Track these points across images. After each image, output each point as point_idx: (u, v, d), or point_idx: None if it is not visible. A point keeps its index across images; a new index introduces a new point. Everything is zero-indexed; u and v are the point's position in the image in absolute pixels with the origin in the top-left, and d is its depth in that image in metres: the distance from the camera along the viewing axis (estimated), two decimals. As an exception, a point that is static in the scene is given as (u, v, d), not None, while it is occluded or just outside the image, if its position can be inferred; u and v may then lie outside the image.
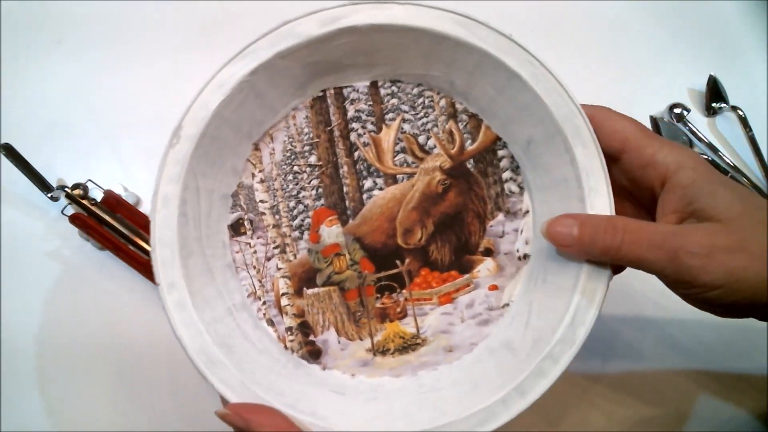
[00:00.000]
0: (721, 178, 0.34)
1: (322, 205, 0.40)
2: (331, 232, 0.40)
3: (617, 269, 0.37)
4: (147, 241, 0.48)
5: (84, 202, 0.50)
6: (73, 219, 0.49)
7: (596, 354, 0.50)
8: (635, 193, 0.38)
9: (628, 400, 0.49)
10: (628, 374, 0.50)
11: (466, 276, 0.40)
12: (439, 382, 0.38)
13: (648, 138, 0.35)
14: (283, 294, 0.40)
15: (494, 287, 0.39)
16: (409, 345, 0.39)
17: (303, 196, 0.40)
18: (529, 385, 0.35)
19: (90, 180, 0.52)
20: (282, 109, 0.40)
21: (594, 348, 0.50)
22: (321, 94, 0.40)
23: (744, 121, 0.57)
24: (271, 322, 0.39)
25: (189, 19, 0.59)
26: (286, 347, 0.39)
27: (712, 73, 0.59)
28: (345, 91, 0.40)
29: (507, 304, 0.39)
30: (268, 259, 0.40)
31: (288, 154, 0.40)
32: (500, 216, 0.40)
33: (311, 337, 0.39)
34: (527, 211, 0.40)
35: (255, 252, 0.40)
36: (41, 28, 0.59)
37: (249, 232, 0.40)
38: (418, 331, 0.39)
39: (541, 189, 0.39)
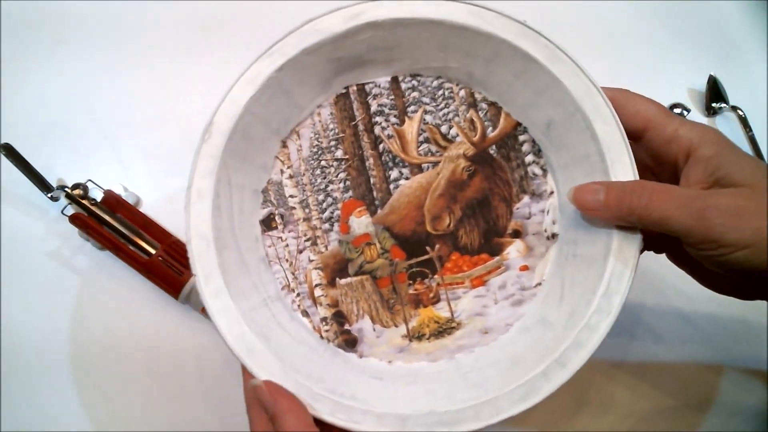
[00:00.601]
0: (741, 150, 0.35)
1: (351, 197, 0.41)
2: (361, 223, 0.41)
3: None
4: (147, 241, 0.49)
5: (84, 202, 0.50)
6: (73, 219, 0.49)
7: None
8: (656, 170, 0.38)
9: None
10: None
11: (497, 258, 0.40)
12: (478, 362, 0.38)
13: (669, 116, 0.37)
14: (316, 285, 0.40)
15: (525, 267, 0.40)
16: (445, 329, 0.39)
17: (331, 189, 0.41)
18: (569, 357, 0.35)
19: (90, 180, 0.52)
20: (307, 106, 0.41)
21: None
22: (344, 90, 0.41)
23: (744, 121, 0.57)
24: (305, 313, 0.40)
25: (189, 20, 0.59)
26: (322, 337, 0.39)
27: (712, 73, 0.59)
28: (367, 87, 0.42)
29: (539, 284, 0.39)
30: (300, 251, 0.40)
31: (315, 150, 0.41)
32: (526, 198, 0.41)
33: (346, 326, 0.40)
34: (552, 192, 0.40)
35: (287, 245, 0.40)
36: (41, 28, 0.59)
37: (280, 227, 0.41)
38: (452, 314, 0.40)
39: (563, 168, 0.40)
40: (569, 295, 0.37)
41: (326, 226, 0.41)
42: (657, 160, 0.38)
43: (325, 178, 0.41)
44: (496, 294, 0.40)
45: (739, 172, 0.34)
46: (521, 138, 0.41)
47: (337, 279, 0.40)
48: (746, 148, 0.56)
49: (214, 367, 0.49)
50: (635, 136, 0.37)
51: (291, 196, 0.41)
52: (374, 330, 0.40)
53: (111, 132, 0.56)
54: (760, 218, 0.32)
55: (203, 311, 0.48)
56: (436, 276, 0.40)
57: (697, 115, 0.59)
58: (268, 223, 0.41)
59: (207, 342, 0.50)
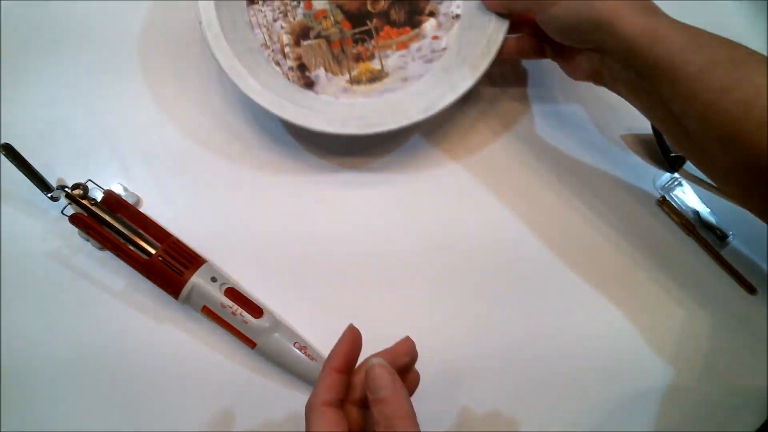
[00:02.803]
0: None
1: (313, -17, 0.56)
2: (320, 2, 0.56)
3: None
4: (147, 241, 0.50)
5: (84, 202, 0.49)
6: (73, 219, 0.49)
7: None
8: None
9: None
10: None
11: (416, 30, 0.56)
12: (399, 99, 0.54)
13: None
14: (285, 44, 0.55)
15: (436, 37, 0.56)
16: (377, 77, 0.55)
17: (299, -23, 0.56)
18: (458, 85, 0.51)
19: (90, 180, 0.51)
20: None
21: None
22: None
23: None
24: (278, 63, 0.55)
25: (189, 20, 0.58)
26: (289, 79, 0.55)
27: None
28: None
29: (445, 48, 0.55)
30: (275, 20, 0.55)
31: (287, -52, 0.56)
32: (439, -11, 0.56)
33: (307, 73, 0.55)
34: (458, -15, 0.56)
35: (265, 15, 0.55)
36: (41, 28, 0.58)
37: (260, 2, 0.55)
38: (382, 67, 0.56)
39: None
40: (465, 50, 0.53)
41: (294, 3, 0.56)
42: None
43: (294, -32, 0.56)
44: (414, 54, 0.56)
45: None
46: (439, -54, 0.56)
47: (301, 41, 0.56)
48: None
49: (214, 368, 0.50)
50: None
51: (269, -19, 0.56)
52: (326, 76, 0.55)
53: (111, 132, 0.56)
54: None
55: (203, 311, 0.49)
56: (372, 41, 0.56)
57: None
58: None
59: (207, 342, 0.50)
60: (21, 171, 0.50)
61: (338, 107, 0.54)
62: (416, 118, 0.51)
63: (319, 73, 0.55)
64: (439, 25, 0.56)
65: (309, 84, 0.55)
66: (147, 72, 0.58)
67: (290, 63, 0.55)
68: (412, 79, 0.55)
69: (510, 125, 0.59)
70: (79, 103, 0.56)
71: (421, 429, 0.35)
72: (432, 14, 0.56)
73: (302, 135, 0.57)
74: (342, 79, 0.55)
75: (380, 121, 0.51)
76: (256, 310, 0.48)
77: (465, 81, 0.51)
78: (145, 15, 0.60)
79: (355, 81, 0.55)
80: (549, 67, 0.57)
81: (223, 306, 0.47)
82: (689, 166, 0.57)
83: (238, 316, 0.47)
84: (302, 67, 0.55)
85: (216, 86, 0.58)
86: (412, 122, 0.51)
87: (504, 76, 0.61)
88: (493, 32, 0.52)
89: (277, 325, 0.49)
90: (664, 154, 0.57)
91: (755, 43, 0.59)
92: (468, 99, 0.56)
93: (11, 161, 0.49)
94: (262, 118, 0.58)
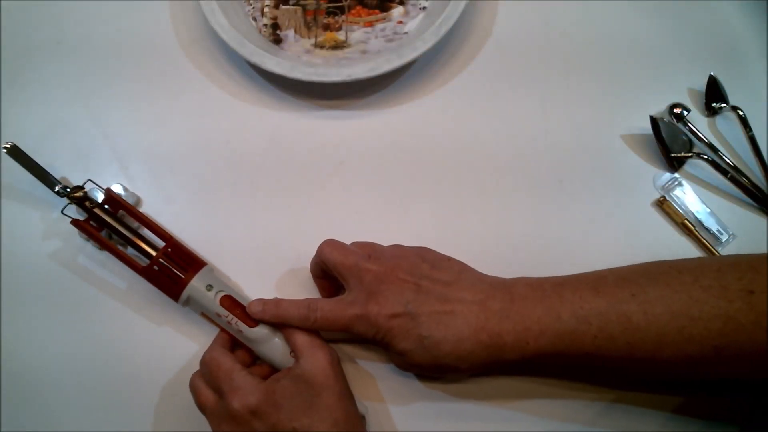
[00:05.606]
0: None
1: (302, -39, 0.63)
2: (306, -23, 0.62)
3: None
4: (148, 243, 0.50)
5: (86, 204, 0.50)
6: (75, 223, 0.49)
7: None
8: None
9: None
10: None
11: (384, 14, 0.61)
12: (354, 64, 0.58)
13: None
14: (266, 6, 0.61)
15: (400, 22, 0.61)
16: (339, 46, 0.60)
17: (292, -45, 0.63)
18: (404, 53, 0.55)
19: (90, 180, 0.51)
20: None
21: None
22: None
23: (744, 121, 0.57)
24: (254, 19, 0.61)
25: (190, 21, 0.60)
26: (260, 32, 0.60)
27: (712, 73, 0.59)
28: None
29: (407, 33, 0.60)
30: (263, -15, 0.62)
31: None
32: (412, -17, 0.62)
33: (278, 32, 0.61)
34: (427, -18, 0.61)
35: (255, -21, 0.62)
36: (41, 28, 0.59)
37: (254, -32, 0.62)
38: (346, 39, 0.61)
39: None
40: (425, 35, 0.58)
41: (283, -26, 0.63)
42: None
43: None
44: (378, 33, 0.60)
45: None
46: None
47: (281, 5, 0.62)
48: (746, 148, 0.57)
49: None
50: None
51: (266, -47, 0.63)
52: (294, 37, 0.61)
53: (111, 132, 0.56)
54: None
55: (202, 315, 0.49)
56: (343, 16, 0.61)
57: (697, 115, 0.58)
58: (246, -35, 0.62)
59: (208, 344, 0.49)
60: (28, 170, 0.50)
61: (295, 59, 0.58)
62: (360, 75, 0.55)
63: (289, 33, 0.61)
64: (406, 13, 0.61)
65: (277, 40, 0.60)
66: (147, 72, 0.58)
67: (265, 21, 0.61)
68: (371, 53, 0.60)
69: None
70: (79, 103, 0.57)
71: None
72: (402, 2, 0.62)
73: (308, 144, 0.58)
74: (307, 42, 0.61)
75: (326, 72, 0.55)
76: (252, 319, 0.47)
77: (413, 52, 0.55)
78: (145, 15, 0.60)
79: (319, 45, 0.60)
80: (548, 66, 0.61)
81: (219, 315, 0.47)
82: (689, 166, 0.57)
83: (233, 325, 0.47)
84: (275, 26, 0.61)
85: (216, 86, 0.60)
86: (354, 78, 0.55)
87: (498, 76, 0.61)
88: (447, 17, 0.56)
89: (274, 333, 0.47)
90: (664, 154, 0.57)
91: (755, 43, 0.61)
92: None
93: (18, 162, 0.50)
94: (263, 117, 0.59)
